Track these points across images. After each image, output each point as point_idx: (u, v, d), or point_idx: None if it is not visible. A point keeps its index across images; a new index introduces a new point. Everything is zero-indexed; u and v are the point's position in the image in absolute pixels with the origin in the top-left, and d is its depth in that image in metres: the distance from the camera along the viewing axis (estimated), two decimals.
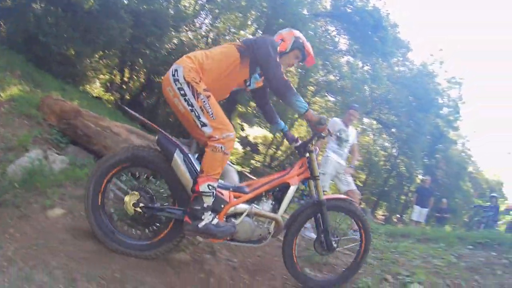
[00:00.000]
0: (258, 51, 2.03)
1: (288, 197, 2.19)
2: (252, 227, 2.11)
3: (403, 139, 15.09)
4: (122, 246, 2.06)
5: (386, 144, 17.36)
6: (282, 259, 2.36)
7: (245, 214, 2.08)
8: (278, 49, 2.10)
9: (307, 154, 2.25)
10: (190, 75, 1.90)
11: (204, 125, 1.89)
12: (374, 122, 16.26)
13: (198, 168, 1.98)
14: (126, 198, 2.05)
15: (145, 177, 2.19)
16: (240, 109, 13.95)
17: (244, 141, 18.18)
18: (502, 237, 3.97)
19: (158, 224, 2.14)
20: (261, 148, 19.16)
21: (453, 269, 2.72)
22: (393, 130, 15.35)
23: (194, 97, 1.88)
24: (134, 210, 2.02)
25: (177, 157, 1.96)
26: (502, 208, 10.23)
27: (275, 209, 2.18)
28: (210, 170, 1.88)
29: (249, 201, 2.13)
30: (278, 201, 2.20)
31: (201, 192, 1.87)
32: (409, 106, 14.56)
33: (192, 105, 1.88)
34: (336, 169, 4.00)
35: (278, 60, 2.02)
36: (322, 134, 2.23)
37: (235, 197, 2.11)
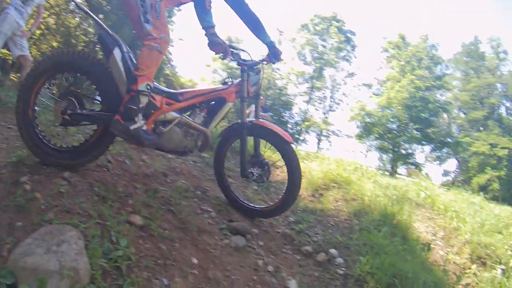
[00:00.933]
0: None
1: (222, 112, 2.12)
2: (179, 138, 2.03)
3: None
4: (54, 157, 1.92)
5: (90, 29, 15.27)
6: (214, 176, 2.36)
7: (174, 123, 2.00)
8: None
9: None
10: None
11: (147, 21, 1.91)
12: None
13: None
14: (54, 106, 1.92)
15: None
16: None
17: None
18: None
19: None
20: None
21: (118, 147, 2.52)
22: (100, 16, 13.17)
23: None
24: (62, 117, 1.90)
25: (116, 55, 1.89)
26: None
27: (206, 123, 2.11)
28: (145, 67, 1.87)
29: (181, 110, 2.06)
30: (211, 115, 2.14)
31: (140, 91, 1.84)
32: None
33: (144, 1, 1.91)
34: (13, 29, 3.56)
35: None
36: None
37: (167, 103, 2.03)
